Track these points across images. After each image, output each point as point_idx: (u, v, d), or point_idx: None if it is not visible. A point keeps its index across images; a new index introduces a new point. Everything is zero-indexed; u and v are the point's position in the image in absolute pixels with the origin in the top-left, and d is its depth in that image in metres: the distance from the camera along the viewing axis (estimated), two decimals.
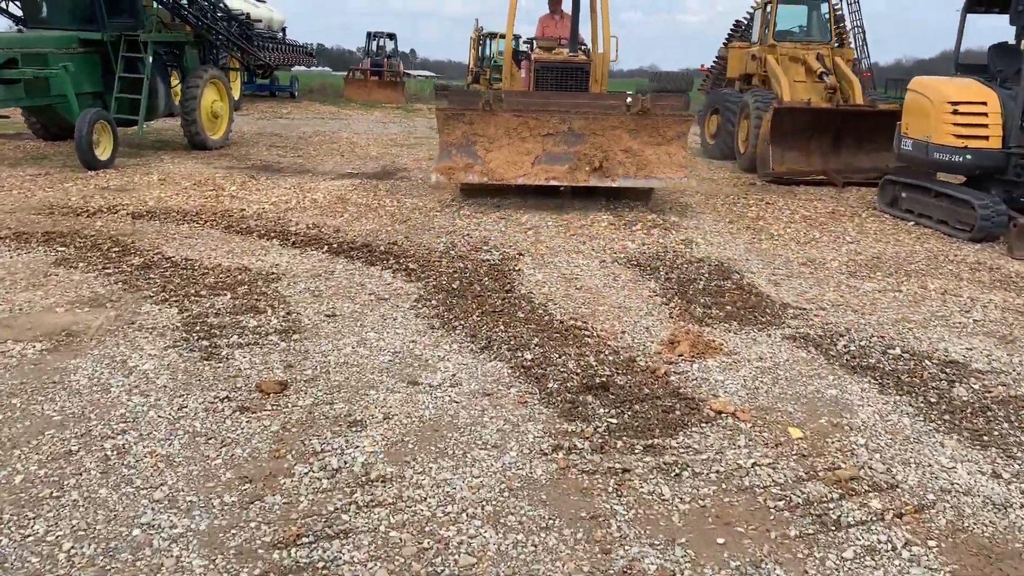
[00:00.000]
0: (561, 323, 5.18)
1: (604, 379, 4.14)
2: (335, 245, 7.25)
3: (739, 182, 12.25)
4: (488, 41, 30.73)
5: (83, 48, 11.78)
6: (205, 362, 4.35)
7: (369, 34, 33.47)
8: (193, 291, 5.68)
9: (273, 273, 6.28)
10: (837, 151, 12.62)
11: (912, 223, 9.00)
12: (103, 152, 11.26)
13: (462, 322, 5.14)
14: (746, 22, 26.73)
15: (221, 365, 4.30)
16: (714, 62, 29.13)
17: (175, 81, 13.73)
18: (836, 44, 14.22)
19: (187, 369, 4.25)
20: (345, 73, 33.91)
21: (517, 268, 6.62)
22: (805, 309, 5.69)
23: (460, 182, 9.22)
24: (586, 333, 4.96)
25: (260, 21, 23.79)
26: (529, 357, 4.49)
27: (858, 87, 13.05)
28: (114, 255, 6.66)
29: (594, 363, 4.42)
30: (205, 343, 4.63)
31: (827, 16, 14.26)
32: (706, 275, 6.51)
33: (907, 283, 6.52)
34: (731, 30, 28.74)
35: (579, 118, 9.06)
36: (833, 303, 5.88)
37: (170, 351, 4.51)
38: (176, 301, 5.45)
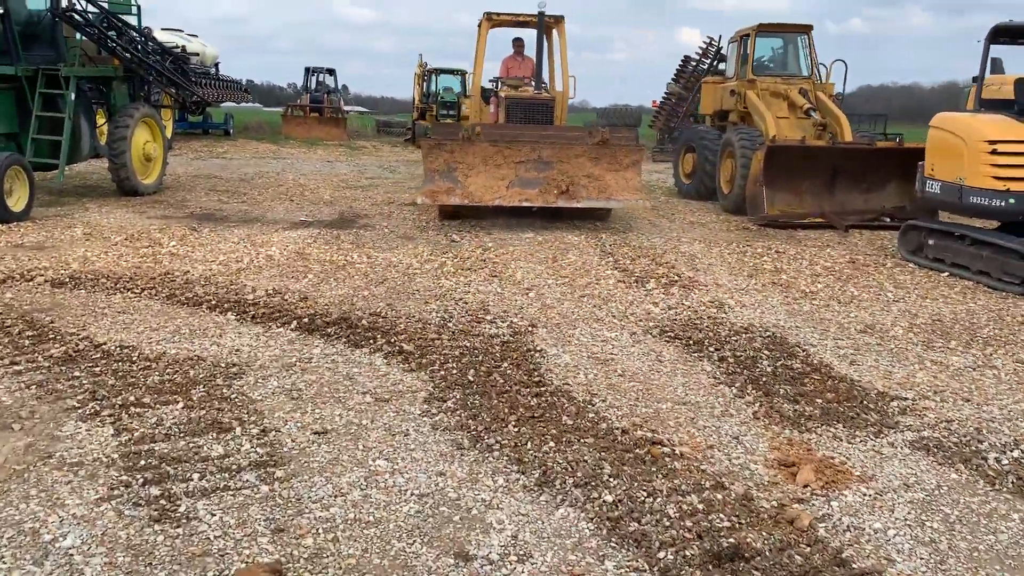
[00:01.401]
0: (625, 433, 4.00)
1: (731, 541, 2.96)
2: (305, 319, 5.95)
3: (731, 226, 11.32)
4: (433, 77, 29.71)
5: None
6: (156, 527, 3.03)
7: (307, 69, 32.13)
8: (133, 397, 4.33)
9: (234, 364, 4.96)
10: (831, 192, 11.84)
11: (946, 274, 8.10)
12: (16, 203, 9.73)
13: (497, 437, 3.91)
14: (697, 58, 26.42)
15: (180, 534, 2.99)
16: (664, 98, 28.82)
17: (101, 120, 12.24)
18: (817, 79, 13.49)
19: (131, 544, 2.93)
20: (283, 110, 32.44)
21: (536, 347, 5.43)
22: (907, 399, 4.62)
23: (443, 203, 10.34)
24: (664, 451, 3.78)
25: (197, 55, 22.31)
26: (609, 499, 3.29)
27: (846, 123, 12.34)
28: (27, 343, 5.25)
29: (701, 506, 3.24)
30: (154, 490, 3.31)
31: (807, 50, 13.56)
32: (764, 352, 5.42)
33: (996, 355, 5.54)
34: (679, 66, 28.45)
35: (547, 148, 10.20)
36: (933, 389, 4.83)
37: (105, 508, 3.17)
38: (111, 414, 4.10)
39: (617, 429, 4.06)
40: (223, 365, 4.94)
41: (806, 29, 13.55)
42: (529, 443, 3.85)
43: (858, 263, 8.71)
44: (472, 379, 4.74)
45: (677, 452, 3.79)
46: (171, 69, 12.99)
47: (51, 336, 5.41)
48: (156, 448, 3.73)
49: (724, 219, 12.03)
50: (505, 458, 3.70)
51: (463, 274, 7.69)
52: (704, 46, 25.85)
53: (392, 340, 5.50)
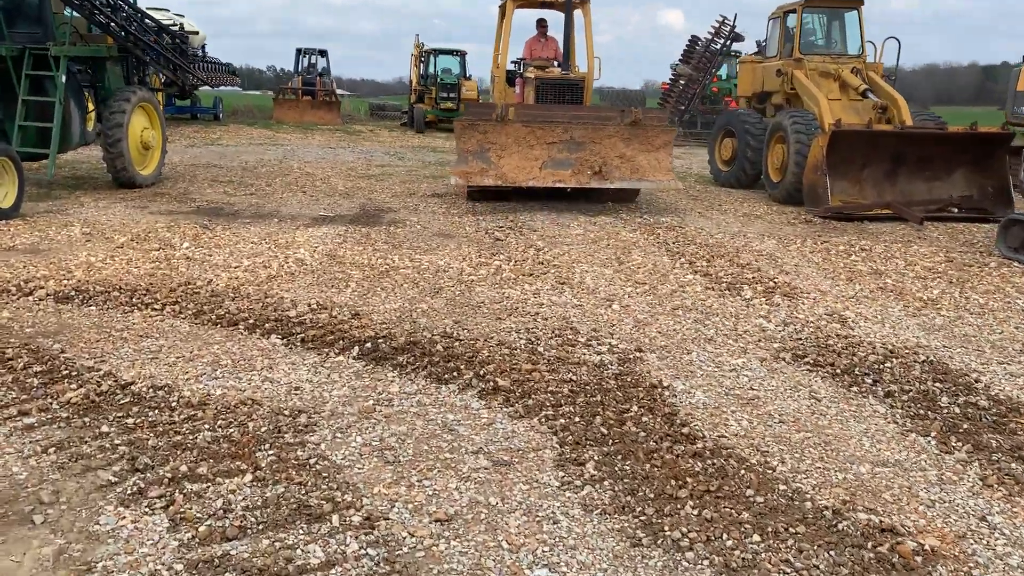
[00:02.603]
0: (840, 517, 3.07)
1: None
2: (367, 344, 4.97)
3: (790, 218, 10.39)
4: (431, 58, 28.54)
5: None
6: None
7: (299, 51, 30.85)
8: (185, 466, 3.34)
9: (299, 411, 3.98)
10: (893, 180, 10.92)
11: None
12: (5, 198, 8.65)
13: (680, 527, 2.97)
14: (708, 38, 25.39)
15: None
16: (671, 79, 27.81)
17: (91, 105, 11.10)
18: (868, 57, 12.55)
19: None
20: (274, 93, 31.17)
21: (656, 380, 4.47)
22: None
23: (476, 184, 10.00)
24: (910, 550, 2.83)
25: (197, 33, 21.02)
26: None
27: (905, 105, 11.40)
28: (36, 382, 4.24)
29: None
30: None
31: (857, 26, 12.61)
32: (933, 383, 4.50)
33: None
34: (687, 46, 27.44)
35: (580, 128, 10.03)
36: None
37: None
38: (161, 495, 3.10)
39: (826, 509, 3.12)
40: (286, 412, 3.95)
41: (856, 4, 12.59)
42: (726, 535, 2.90)
43: (957, 262, 7.80)
44: (603, 431, 3.78)
45: (926, 548, 2.85)
46: (170, 49, 11.84)
47: (64, 372, 4.39)
48: (232, 553, 2.75)
49: (778, 210, 11.10)
50: (706, 562, 2.74)
51: (526, 281, 6.72)
52: (716, 25, 24.82)
53: (481, 373, 4.53)
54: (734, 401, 4.24)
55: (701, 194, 12.63)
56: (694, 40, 26.63)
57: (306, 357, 4.81)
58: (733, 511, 3.07)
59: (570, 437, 3.71)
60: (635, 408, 4.05)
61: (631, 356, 4.89)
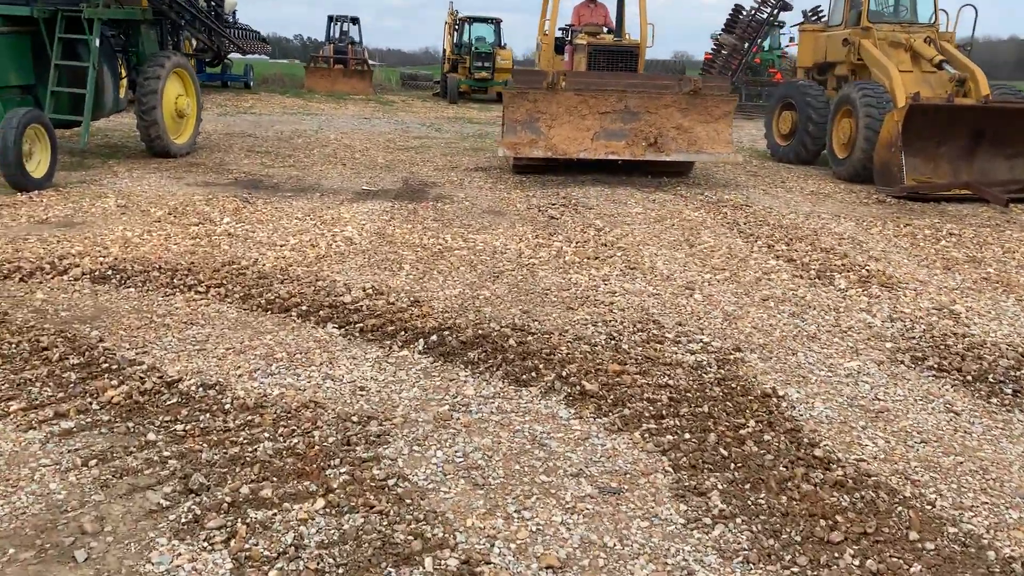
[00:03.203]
0: None
1: None
2: (432, 336, 4.48)
3: (861, 197, 9.75)
4: (466, 26, 27.82)
5: (6, 28, 8.67)
6: None
7: (330, 18, 30.23)
8: (246, 487, 2.87)
9: (369, 416, 3.51)
10: (970, 158, 10.22)
11: None
12: (37, 168, 8.23)
13: None
14: (756, 6, 24.44)
15: None
16: (713, 49, 26.92)
17: (123, 71, 10.64)
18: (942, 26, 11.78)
19: None
20: (303, 62, 30.64)
21: (767, 386, 3.95)
22: None
23: (526, 155, 9.53)
24: None
25: None
26: None
27: (983, 77, 10.66)
28: (73, 377, 3.79)
29: None
30: None
31: None
32: None
33: None
34: (730, 15, 26.53)
35: (634, 97, 9.47)
36: None
37: None
38: (221, 526, 2.64)
39: (1013, 561, 2.58)
40: (354, 418, 3.48)
41: None
42: None
43: None
44: (720, 451, 3.26)
45: None
46: (205, 13, 11.32)
47: (104, 366, 3.95)
48: None
49: (846, 188, 10.46)
50: None
51: (592, 265, 6.20)
52: None
53: (563, 374, 4.03)
54: (861, 414, 3.71)
55: (759, 170, 11.98)
56: (737, 8, 25.72)
57: (367, 350, 4.33)
58: (902, 561, 2.56)
59: (684, 459, 3.20)
60: (752, 423, 3.53)
61: (730, 357, 4.36)
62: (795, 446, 3.33)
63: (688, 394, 3.84)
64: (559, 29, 12.95)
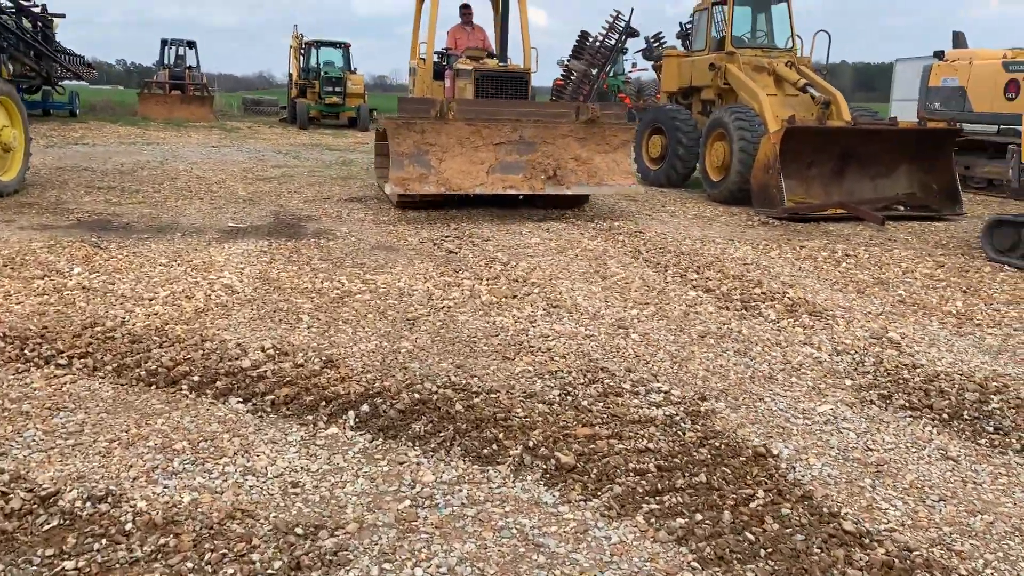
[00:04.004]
0: None
1: None
2: (359, 404, 3.85)
3: (745, 221, 9.79)
4: (314, 50, 26.83)
5: None
6: None
7: (164, 42, 28.37)
8: None
9: (314, 525, 2.84)
10: (839, 179, 10.52)
11: None
12: None
13: None
14: (603, 34, 24.90)
15: None
16: (563, 75, 27.22)
17: None
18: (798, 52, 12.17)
19: None
20: (135, 88, 28.59)
21: (761, 447, 3.55)
22: None
23: (417, 192, 8.64)
24: None
25: (63, 16, 18.53)
26: None
27: (843, 100, 11.05)
28: None
29: None
30: None
31: (786, 19, 12.19)
32: None
33: None
34: (577, 42, 26.95)
35: (530, 127, 8.88)
36: None
37: None
38: None
39: None
40: (298, 530, 2.79)
41: None
42: None
43: (949, 267, 7.32)
44: (746, 534, 2.82)
45: None
46: (31, 34, 10.02)
47: None
48: None
49: (726, 211, 10.49)
50: None
51: (513, 305, 5.70)
52: (611, 20, 24.33)
53: (530, 445, 3.50)
54: (862, 469, 3.38)
55: (634, 194, 11.88)
56: (584, 35, 26.11)
57: (287, 431, 3.62)
58: None
59: (706, 549, 2.73)
60: (760, 492, 3.11)
61: (699, 408, 3.96)
62: (817, 519, 2.94)
63: (675, 460, 3.39)
64: (437, 53, 12.30)
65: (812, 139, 9.96)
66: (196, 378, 4.18)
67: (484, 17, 13.18)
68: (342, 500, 3.05)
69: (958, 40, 14.36)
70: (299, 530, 2.81)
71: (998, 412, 3.97)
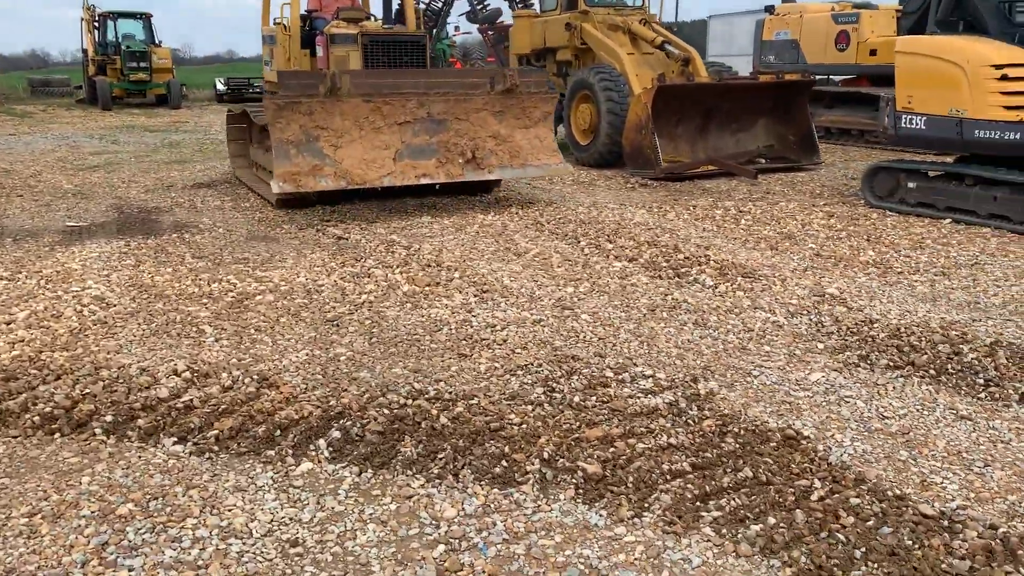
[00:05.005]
0: None
1: None
2: (324, 431, 3.30)
3: (623, 183, 9.70)
4: (110, 23, 24.40)
5: None
6: None
7: None
8: None
9: None
10: (704, 136, 10.64)
11: (948, 221, 7.14)
12: None
13: None
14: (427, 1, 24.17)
15: None
16: None
17: None
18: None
19: None
20: None
21: (787, 429, 3.32)
22: None
23: (311, 189, 7.01)
24: None
25: None
26: None
27: (699, 58, 11.16)
28: None
29: None
30: None
31: None
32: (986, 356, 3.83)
33: None
34: (399, 4, 26.10)
35: (439, 101, 7.48)
36: None
37: None
38: None
39: None
40: None
41: None
42: None
43: (840, 216, 7.52)
44: (839, 536, 2.56)
45: None
46: None
47: None
48: None
49: (599, 175, 10.37)
50: None
51: (439, 294, 5.22)
52: None
53: (545, 457, 3.09)
54: (892, 442, 3.23)
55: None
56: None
57: (252, 474, 3.01)
58: None
59: (802, 559, 2.45)
60: (816, 482, 2.87)
61: (696, 391, 3.69)
62: (887, 505, 2.74)
63: (706, 455, 3.10)
64: (303, 15, 10.28)
65: (679, 97, 9.96)
66: (108, 418, 3.44)
67: None
68: (361, 557, 2.52)
69: None
70: None
71: (977, 363, 3.96)
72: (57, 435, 3.32)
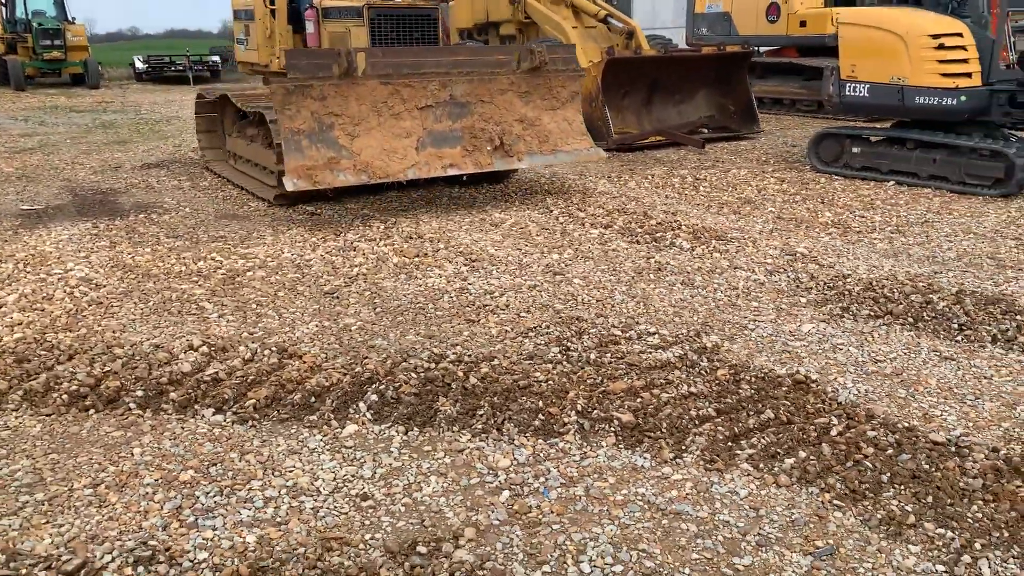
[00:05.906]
0: None
1: None
2: (365, 395, 3.43)
3: None
4: (16, 1, 23.28)
5: None
6: None
7: None
8: None
9: (431, 538, 2.49)
10: (649, 107, 10.92)
11: (892, 183, 7.59)
12: None
13: None
14: None
15: None
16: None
17: None
18: None
19: None
20: None
21: (779, 371, 3.60)
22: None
23: (328, 184, 6.13)
24: None
25: None
26: None
27: (641, 30, 11.41)
28: None
29: None
30: None
31: None
32: (1012, 315, 4.20)
33: None
34: None
35: (462, 82, 6.68)
36: None
37: None
38: None
39: None
40: (421, 550, 2.42)
41: None
42: None
43: (791, 181, 7.89)
44: (857, 464, 2.83)
45: None
46: None
47: None
48: None
49: None
50: None
51: (430, 264, 5.36)
52: None
53: (579, 409, 3.28)
54: (890, 382, 3.55)
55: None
56: None
57: (301, 438, 3.13)
58: None
59: (837, 485, 2.71)
60: (833, 419, 3.16)
61: (703, 344, 3.94)
62: (901, 436, 3.03)
63: (727, 400, 3.34)
64: None
65: (627, 70, 10.19)
66: (139, 393, 3.49)
67: None
68: (432, 506, 2.67)
69: None
70: (421, 548, 2.42)
71: (948, 310, 4.31)
72: (92, 411, 3.35)
